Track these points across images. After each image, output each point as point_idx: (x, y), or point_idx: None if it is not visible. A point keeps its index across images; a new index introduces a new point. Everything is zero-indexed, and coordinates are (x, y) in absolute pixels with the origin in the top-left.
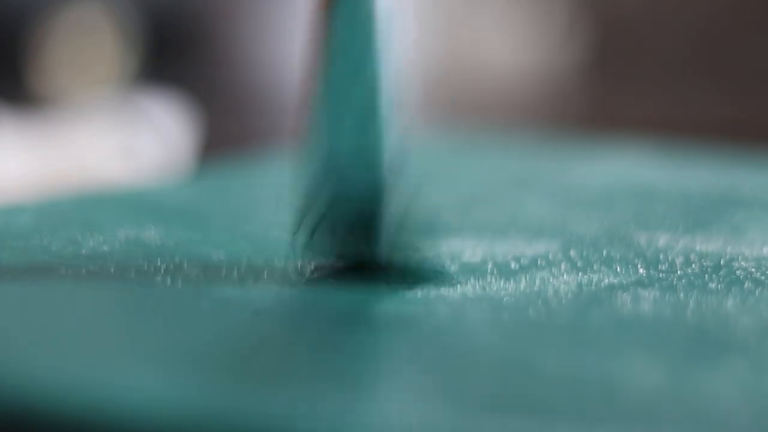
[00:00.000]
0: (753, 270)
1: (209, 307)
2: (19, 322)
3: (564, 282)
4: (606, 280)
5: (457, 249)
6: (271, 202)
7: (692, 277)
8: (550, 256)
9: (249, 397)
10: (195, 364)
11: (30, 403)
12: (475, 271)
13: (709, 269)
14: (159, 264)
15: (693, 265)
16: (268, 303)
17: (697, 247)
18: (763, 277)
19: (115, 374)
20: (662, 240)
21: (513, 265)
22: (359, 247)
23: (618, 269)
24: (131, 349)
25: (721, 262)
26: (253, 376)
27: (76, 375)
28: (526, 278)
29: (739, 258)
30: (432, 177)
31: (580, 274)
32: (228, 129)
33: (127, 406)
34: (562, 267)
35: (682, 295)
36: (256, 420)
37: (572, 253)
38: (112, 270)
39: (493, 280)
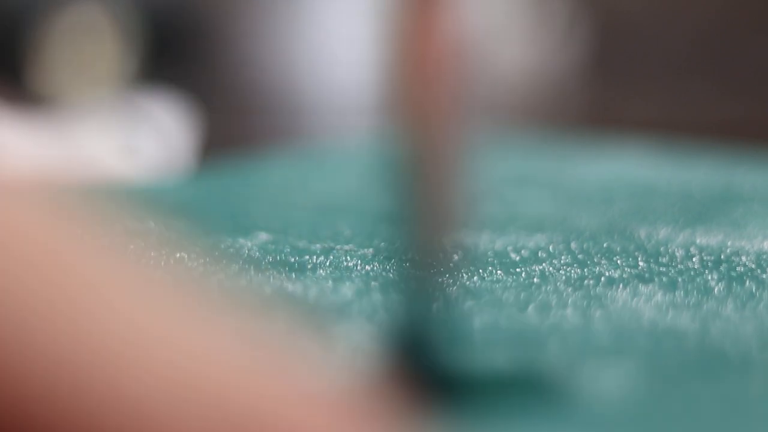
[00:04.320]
0: (753, 265)
1: None
2: None
3: (564, 273)
4: (606, 273)
5: (459, 242)
6: (271, 201)
7: (692, 271)
8: (551, 249)
9: None
10: None
11: None
12: (476, 262)
13: (709, 263)
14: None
15: (693, 258)
16: None
17: (698, 241)
18: (763, 274)
19: None
20: (662, 234)
21: (514, 256)
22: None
23: (618, 261)
24: None
25: (722, 255)
26: None
27: None
28: (526, 269)
29: (739, 252)
30: None
31: (580, 265)
32: (228, 129)
33: None
34: (563, 259)
35: (681, 288)
36: None
37: (573, 245)
38: None
39: (494, 271)
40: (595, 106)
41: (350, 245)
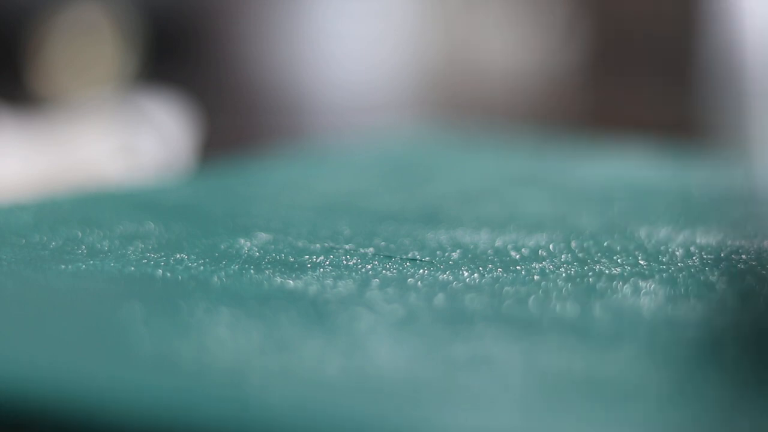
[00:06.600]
0: (753, 263)
1: None
2: None
3: (564, 271)
4: (606, 271)
5: (458, 240)
6: (271, 201)
7: (692, 269)
8: (551, 248)
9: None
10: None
11: None
12: (476, 260)
13: (709, 261)
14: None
15: (693, 258)
16: None
17: (698, 240)
18: (763, 271)
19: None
20: (662, 233)
21: (514, 255)
22: None
23: (618, 260)
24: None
25: (722, 254)
26: None
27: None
28: (526, 268)
29: (739, 251)
30: (434, 173)
31: (580, 264)
32: (228, 129)
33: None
34: (563, 257)
35: (681, 286)
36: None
37: (573, 244)
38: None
39: (494, 269)
40: (595, 105)
41: (350, 245)
